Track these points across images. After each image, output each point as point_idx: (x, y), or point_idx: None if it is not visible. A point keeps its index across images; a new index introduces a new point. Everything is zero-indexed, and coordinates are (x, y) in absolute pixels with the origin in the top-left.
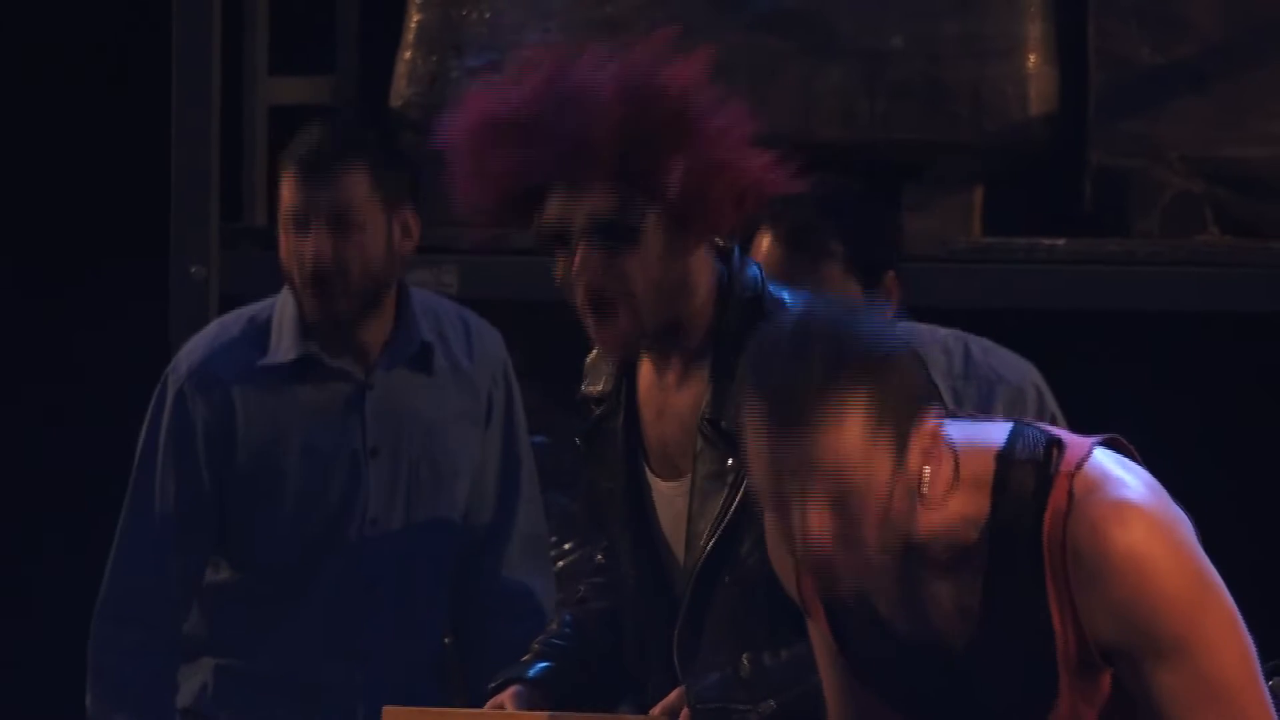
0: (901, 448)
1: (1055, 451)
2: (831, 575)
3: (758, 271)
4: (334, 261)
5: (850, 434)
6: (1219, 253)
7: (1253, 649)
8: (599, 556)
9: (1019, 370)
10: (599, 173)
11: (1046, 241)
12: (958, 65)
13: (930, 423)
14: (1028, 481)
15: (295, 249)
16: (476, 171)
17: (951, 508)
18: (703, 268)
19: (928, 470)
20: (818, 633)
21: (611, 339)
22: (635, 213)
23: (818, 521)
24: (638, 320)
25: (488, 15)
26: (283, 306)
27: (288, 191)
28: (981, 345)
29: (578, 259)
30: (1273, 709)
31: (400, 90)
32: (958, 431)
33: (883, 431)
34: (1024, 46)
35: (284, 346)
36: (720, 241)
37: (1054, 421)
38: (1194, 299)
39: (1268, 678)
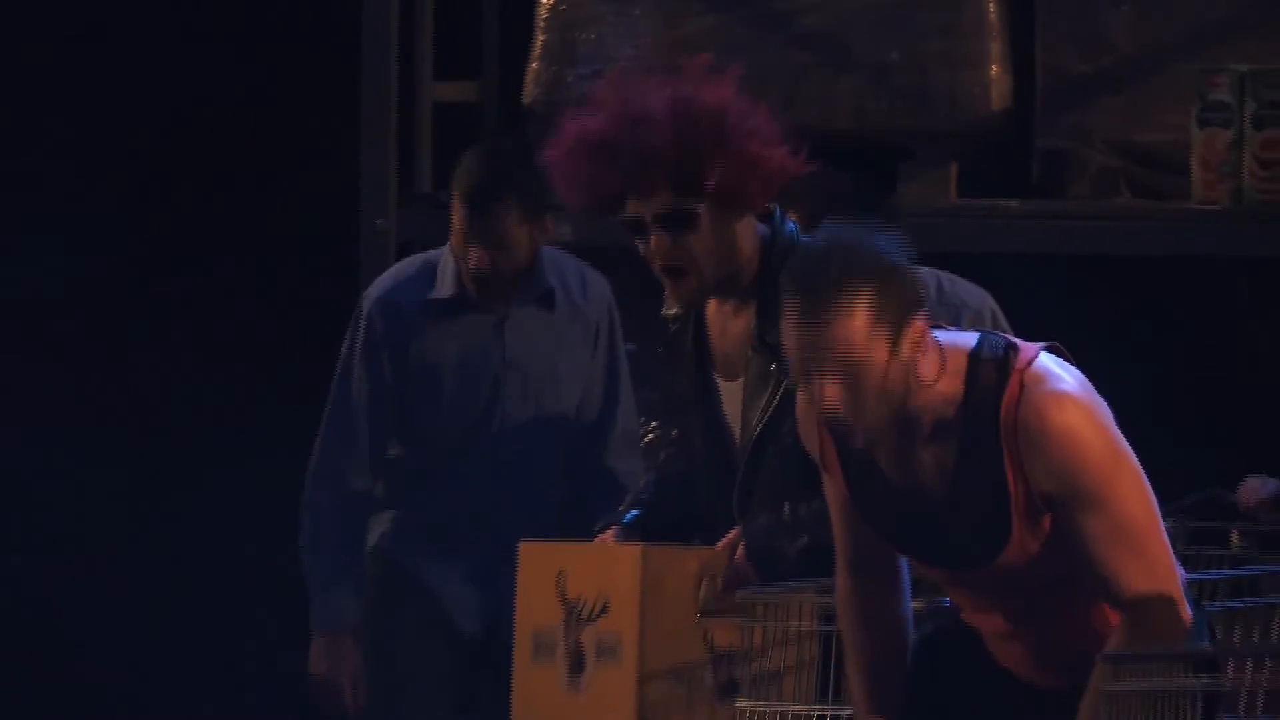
0: (897, 338)
1: (1011, 353)
2: (842, 431)
3: (794, 227)
4: (491, 268)
5: (856, 325)
6: (1130, 211)
7: (1154, 501)
8: (674, 433)
9: (978, 296)
10: (659, 179)
11: (1003, 203)
12: (939, 74)
13: (920, 322)
14: (990, 375)
15: (463, 249)
16: (570, 183)
17: (935, 391)
18: (747, 232)
19: (920, 357)
20: (832, 486)
21: (682, 296)
22: (689, 205)
23: (831, 390)
24: (700, 281)
25: (594, 35)
26: (447, 256)
27: (457, 214)
28: (950, 278)
29: (652, 242)
30: (1168, 544)
31: (529, 91)
32: (940, 336)
33: (882, 324)
34: (988, 60)
35: (446, 285)
36: (761, 210)
37: (1010, 330)
38: (1112, 245)
39: (1165, 519)
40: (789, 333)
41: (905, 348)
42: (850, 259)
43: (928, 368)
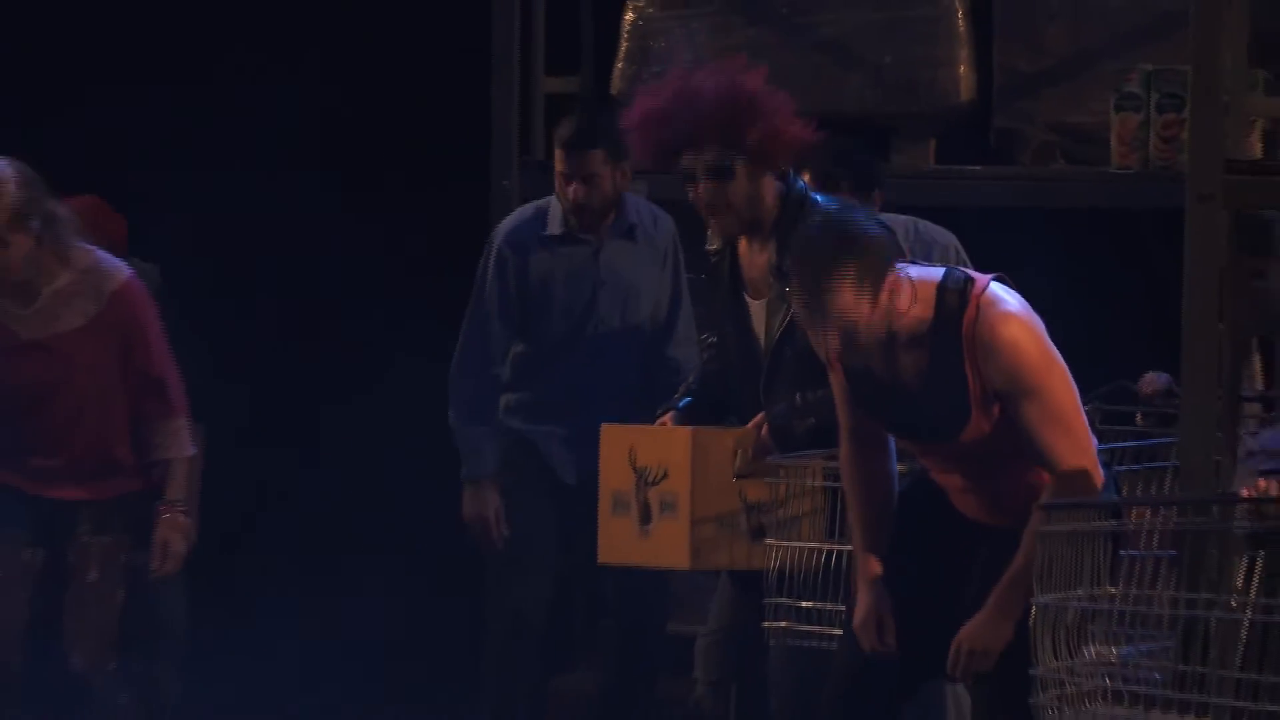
0: (876, 294)
1: (969, 283)
2: (840, 358)
3: (804, 185)
4: (585, 199)
5: (845, 296)
6: (1064, 174)
7: (1076, 391)
8: (714, 340)
9: (945, 236)
10: (708, 141)
11: (968, 168)
12: (921, 71)
13: (892, 275)
14: (954, 300)
15: (564, 189)
16: (642, 142)
17: (911, 315)
18: (769, 187)
19: (896, 298)
20: (837, 381)
21: (722, 230)
22: (729, 161)
23: (831, 339)
24: (735, 219)
25: (663, 43)
26: (554, 202)
27: (559, 160)
28: (922, 223)
29: (700, 188)
30: (1086, 423)
31: (616, 84)
32: (915, 271)
33: (864, 288)
34: (958, 61)
35: (554, 225)
36: (780, 170)
37: (965, 267)
38: (1049, 200)
39: (1084, 405)
40: (796, 300)
41: (883, 298)
42: (838, 244)
43: (903, 302)
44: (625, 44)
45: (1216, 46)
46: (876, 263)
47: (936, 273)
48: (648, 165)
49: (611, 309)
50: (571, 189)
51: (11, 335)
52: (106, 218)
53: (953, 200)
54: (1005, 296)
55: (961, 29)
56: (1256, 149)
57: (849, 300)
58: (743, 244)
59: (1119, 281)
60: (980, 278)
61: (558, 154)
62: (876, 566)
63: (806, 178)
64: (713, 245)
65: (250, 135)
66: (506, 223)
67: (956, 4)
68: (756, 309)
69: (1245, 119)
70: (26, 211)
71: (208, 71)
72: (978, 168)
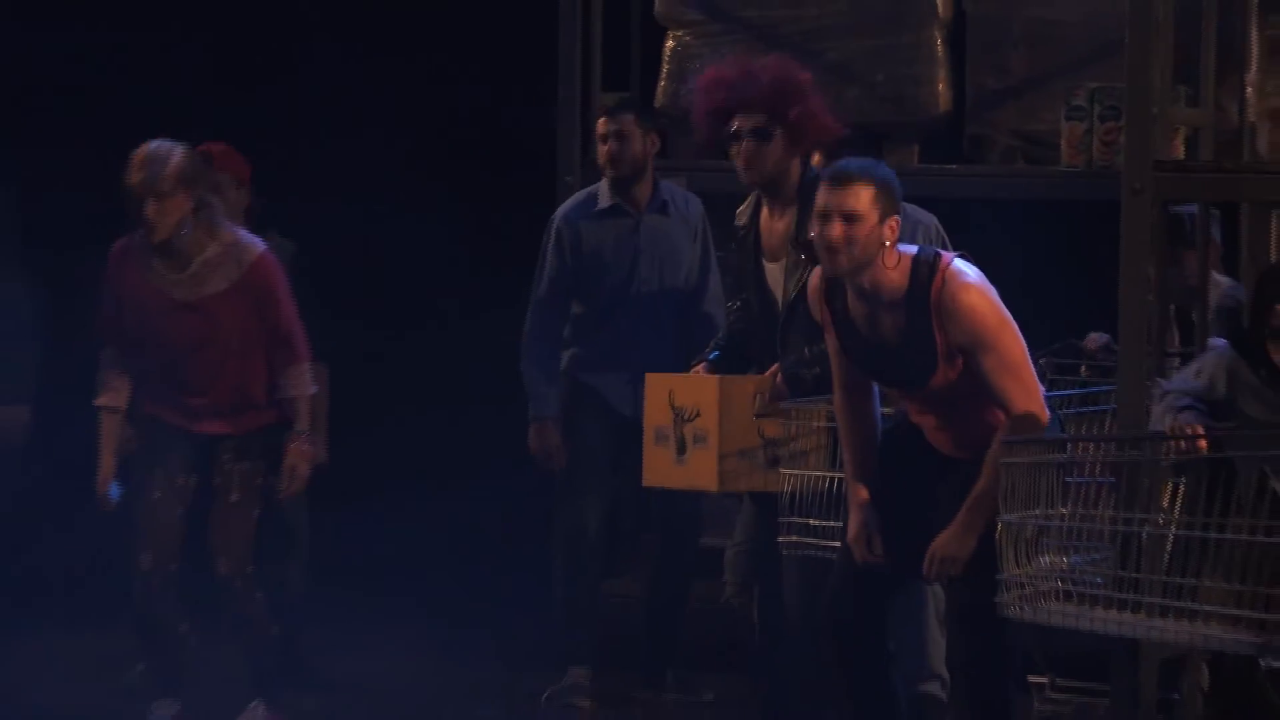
0: (883, 218)
1: (938, 258)
2: (834, 270)
3: (816, 171)
4: (619, 154)
5: (862, 196)
6: (1022, 172)
7: (1026, 348)
8: (737, 304)
9: (927, 218)
10: (758, 108)
11: (946, 166)
12: (908, 88)
13: (896, 219)
14: (925, 271)
15: (601, 149)
16: (705, 101)
17: (893, 277)
18: (794, 163)
19: (889, 245)
20: (830, 339)
21: (749, 180)
22: (771, 128)
23: (839, 228)
24: (761, 176)
25: (698, 66)
26: (603, 184)
27: (600, 125)
28: (912, 207)
29: (743, 145)
30: (1035, 373)
31: (659, 99)
32: (900, 245)
33: (877, 205)
34: (937, 79)
35: (602, 200)
36: (805, 152)
37: (943, 244)
38: (1011, 193)
39: (1036, 360)
40: (821, 193)
41: (885, 229)
42: (871, 168)
43: (890, 257)
44: (667, 65)
45: (1147, 68)
46: (891, 199)
47: (913, 249)
48: (703, 125)
49: (650, 273)
50: (607, 147)
51: (167, 298)
52: (234, 159)
53: (933, 192)
54: (966, 269)
55: (940, 53)
56: (1179, 151)
57: (864, 201)
58: (764, 215)
59: (1068, 259)
60: (946, 254)
61: (599, 121)
62: (864, 492)
63: (818, 163)
64: (741, 220)
65: (361, 145)
66: (563, 205)
67: (936, 33)
68: (774, 271)
69: (1170, 127)
70: (186, 179)
71: (307, 72)
72: (953, 166)
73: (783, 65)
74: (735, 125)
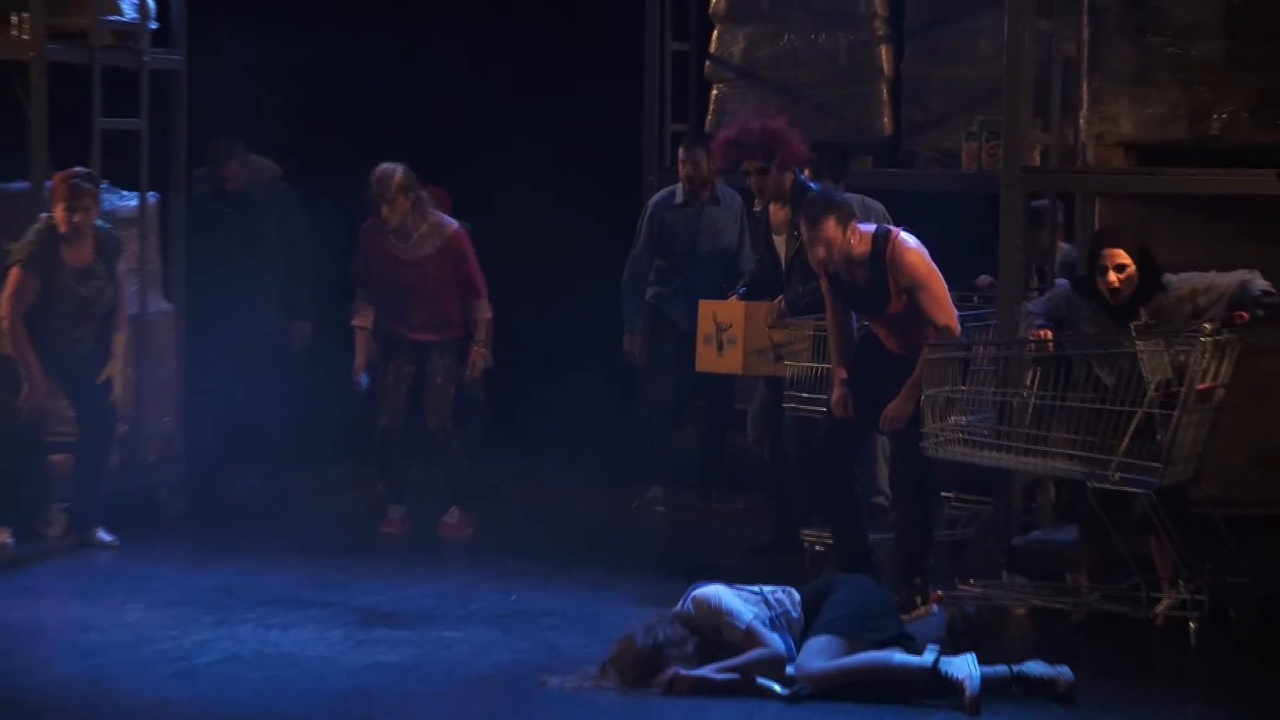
0: (845, 231)
1: (890, 232)
2: (825, 267)
3: (804, 178)
4: (693, 174)
5: (829, 229)
6: (940, 175)
7: (947, 287)
8: (758, 258)
9: (877, 205)
10: (755, 157)
11: (890, 170)
12: (864, 118)
13: (854, 223)
14: (881, 242)
15: (681, 170)
16: (721, 154)
17: (859, 248)
18: (788, 179)
19: (852, 239)
20: (824, 283)
21: (762, 198)
22: (767, 166)
23: (821, 251)
24: (768, 193)
25: (733, 105)
26: (678, 186)
27: (680, 155)
28: (868, 199)
29: (753, 178)
30: (951, 303)
31: (707, 127)
32: (862, 226)
33: (839, 227)
34: (884, 114)
35: (679, 197)
36: (792, 169)
37: (887, 220)
38: (933, 187)
39: (952, 293)
40: (804, 231)
41: (849, 235)
42: (827, 204)
43: (856, 242)
44: (712, 106)
45: (1016, 108)
46: (846, 216)
47: (872, 227)
48: (723, 167)
49: (706, 242)
50: (685, 170)
51: (397, 258)
52: (441, 196)
53: (881, 187)
54: (908, 239)
55: (885, 98)
56: (1036, 161)
57: (830, 232)
58: (772, 208)
59: (967, 230)
60: (895, 229)
61: (680, 152)
62: (844, 374)
63: (807, 173)
64: (757, 209)
65: (520, 158)
66: (654, 197)
67: (883, 85)
68: (779, 242)
69: (1030, 146)
70: (406, 187)
71: (486, 112)
72: (894, 170)
73: (767, 122)
74: (744, 167)
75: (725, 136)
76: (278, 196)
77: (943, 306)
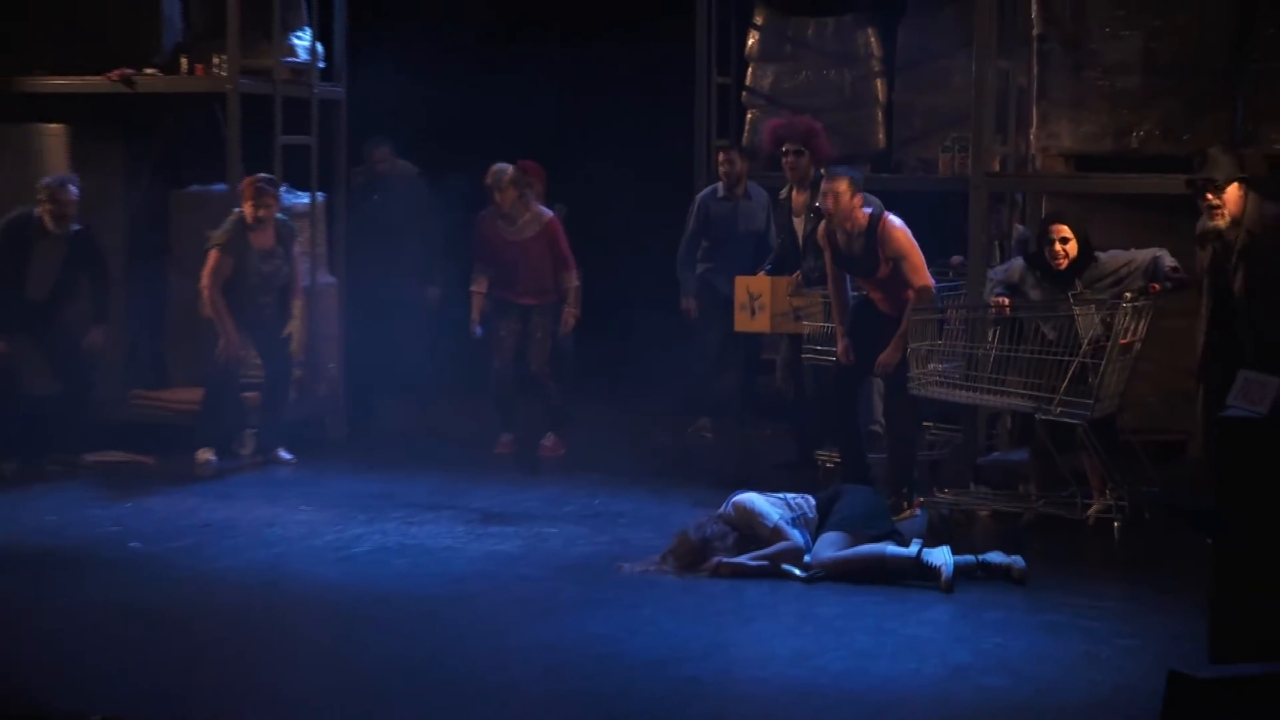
0: (853, 196)
1: (882, 212)
2: (830, 219)
3: (819, 171)
4: (729, 170)
5: (842, 186)
6: (920, 179)
7: (924, 259)
8: (781, 239)
9: (875, 200)
10: (795, 140)
11: (882, 175)
12: (865, 135)
13: (860, 195)
14: (875, 220)
15: (719, 168)
16: (769, 137)
17: (858, 223)
18: (811, 168)
19: (857, 208)
20: (827, 255)
21: (795, 176)
22: (803, 150)
23: (830, 201)
24: (799, 174)
25: (762, 124)
26: (720, 183)
27: (720, 155)
28: (867, 194)
29: (789, 159)
30: (928, 273)
31: (745, 140)
32: (864, 208)
33: (849, 191)
34: (879, 131)
35: (720, 192)
36: (818, 162)
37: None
38: (918, 188)
39: (931, 268)
40: (823, 190)
41: (855, 201)
42: (847, 171)
43: (858, 213)
44: (748, 123)
45: (981, 126)
46: (856, 185)
47: (869, 208)
48: (769, 147)
49: (743, 228)
50: (723, 168)
51: (505, 239)
52: (537, 171)
53: (878, 189)
54: (895, 220)
55: (880, 119)
56: (997, 168)
57: (843, 192)
58: (794, 194)
59: (944, 221)
60: (886, 212)
61: (719, 155)
62: (842, 329)
63: (825, 172)
64: (781, 197)
65: (597, 161)
66: (701, 192)
67: (878, 110)
68: (798, 224)
69: (992, 155)
70: (515, 181)
71: (578, 120)
72: (887, 175)
73: (809, 120)
74: (785, 148)
75: (775, 123)
76: (414, 190)
77: (920, 273)
